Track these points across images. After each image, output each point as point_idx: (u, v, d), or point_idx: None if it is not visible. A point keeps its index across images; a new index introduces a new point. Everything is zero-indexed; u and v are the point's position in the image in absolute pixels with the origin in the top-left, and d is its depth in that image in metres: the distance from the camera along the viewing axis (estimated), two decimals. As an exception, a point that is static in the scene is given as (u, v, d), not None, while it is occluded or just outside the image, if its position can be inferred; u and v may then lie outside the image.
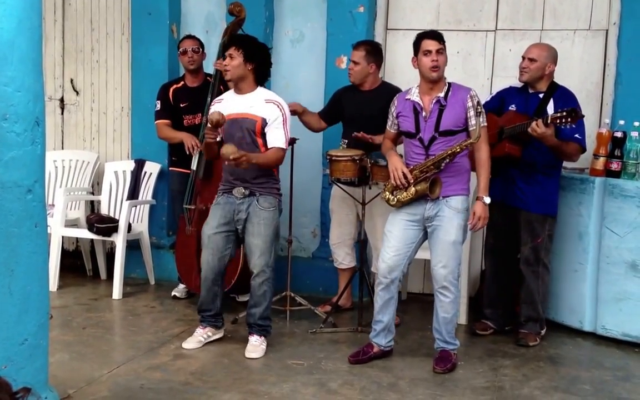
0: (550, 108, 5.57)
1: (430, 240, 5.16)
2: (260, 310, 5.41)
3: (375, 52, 6.11)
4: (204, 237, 5.43)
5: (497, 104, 5.89)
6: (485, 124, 5.09)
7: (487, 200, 5.06)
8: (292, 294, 6.33)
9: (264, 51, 5.47)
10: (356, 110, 6.06)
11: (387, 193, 5.19)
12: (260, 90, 5.42)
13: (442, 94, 5.08)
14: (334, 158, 5.72)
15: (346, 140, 6.04)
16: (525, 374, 5.18)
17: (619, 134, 5.81)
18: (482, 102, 5.89)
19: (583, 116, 5.27)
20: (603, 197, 5.80)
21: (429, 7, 7.00)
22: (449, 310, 5.13)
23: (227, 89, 5.91)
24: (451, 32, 6.92)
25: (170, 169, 6.92)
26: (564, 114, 5.23)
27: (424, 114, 5.09)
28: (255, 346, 5.40)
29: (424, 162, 5.05)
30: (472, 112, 5.02)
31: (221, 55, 6.17)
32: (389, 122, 5.33)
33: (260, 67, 5.42)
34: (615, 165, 5.80)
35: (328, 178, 6.03)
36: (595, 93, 6.58)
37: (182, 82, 6.69)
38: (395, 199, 5.13)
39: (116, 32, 7.70)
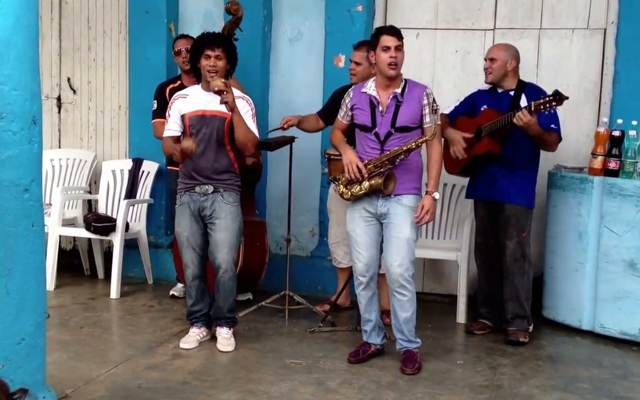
0: (523, 103, 5.61)
1: (383, 237, 5.16)
2: (228, 303, 5.46)
3: None
4: (182, 239, 5.45)
5: (468, 108, 5.96)
6: (440, 122, 5.09)
7: (437, 195, 5.06)
8: (291, 293, 6.32)
9: (236, 52, 5.51)
10: None
11: (341, 186, 5.19)
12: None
13: (399, 90, 5.06)
14: (332, 157, 5.70)
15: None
16: (524, 373, 5.18)
17: (617, 133, 5.81)
18: (451, 106, 5.99)
19: (567, 97, 5.28)
20: (602, 197, 5.80)
21: (428, 6, 6.99)
22: (407, 308, 5.10)
23: None
24: (450, 30, 6.94)
25: (168, 167, 6.89)
26: (550, 98, 5.28)
27: (380, 108, 5.08)
28: (227, 339, 5.47)
29: (379, 156, 5.04)
30: (427, 110, 5.01)
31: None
32: (342, 113, 5.31)
33: (233, 67, 5.50)
34: (613, 164, 5.80)
35: (327, 177, 6.01)
36: (594, 92, 6.58)
37: (178, 82, 6.67)
38: (349, 193, 5.14)
39: (113, 31, 7.68)
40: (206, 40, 5.40)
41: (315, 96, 7.01)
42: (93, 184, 7.70)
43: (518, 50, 5.85)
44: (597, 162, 5.88)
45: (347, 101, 5.26)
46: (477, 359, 5.44)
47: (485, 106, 5.82)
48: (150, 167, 7.34)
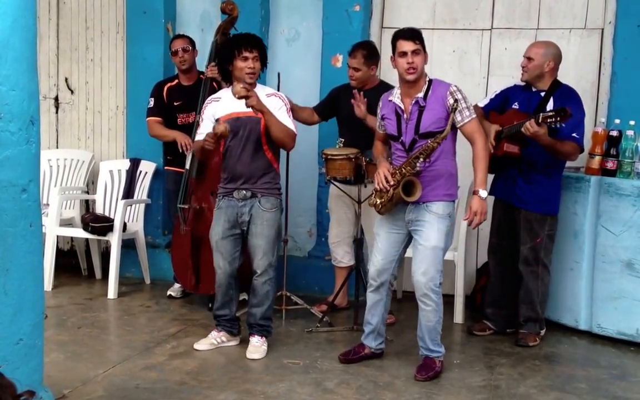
0: (550, 106, 5.54)
1: (412, 245, 5.10)
2: (262, 310, 5.38)
3: (372, 54, 6.05)
4: (212, 243, 5.39)
5: (500, 102, 5.85)
6: (474, 115, 4.92)
7: (484, 194, 4.83)
8: (288, 294, 6.33)
9: (266, 53, 5.47)
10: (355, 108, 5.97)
11: (376, 198, 5.04)
12: (258, 86, 5.36)
13: (421, 95, 4.91)
14: (329, 157, 5.71)
15: (343, 139, 6.00)
16: (522, 373, 5.18)
17: (614, 133, 5.81)
18: (486, 99, 5.90)
19: (571, 115, 5.20)
20: (599, 196, 5.80)
21: (425, 6, 6.99)
22: (431, 318, 4.99)
23: (220, 87, 5.89)
24: (447, 30, 6.94)
25: (166, 168, 6.90)
26: (553, 113, 5.22)
27: (405, 116, 4.96)
28: (257, 347, 5.38)
29: (402, 163, 4.92)
30: (458, 106, 4.81)
31: (214, 56, 6.16)
32: (378, 123, 5.24)
33: (263, 69, 5.43)
34: (611, 164, 5.80)
35: (324, 177, 6.01)
36: (591, 92, 6.58)
37: (176, 81, 6.68)
38: (379, 203, 5.02)
39: (111, 31, 7.68)
40: (244, 42, 5.28)
41: (312, 96, 7.01)
42: (90, 184, 7.70)
43: (559, 50, 5.74)
44: (595, 162, 5.89)
45: (378, 111, 5.18)
46: (475, 359, 5.44)
47: (516, 104, 5.72)
48: (147, 167, 7.34)
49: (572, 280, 6.00)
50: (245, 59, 5.21)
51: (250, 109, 5.13)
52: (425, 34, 6.78)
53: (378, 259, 5.12)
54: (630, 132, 5.72)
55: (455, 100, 4.81)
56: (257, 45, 5.30)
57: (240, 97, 5.02)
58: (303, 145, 6.67)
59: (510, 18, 6.81)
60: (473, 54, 6.90)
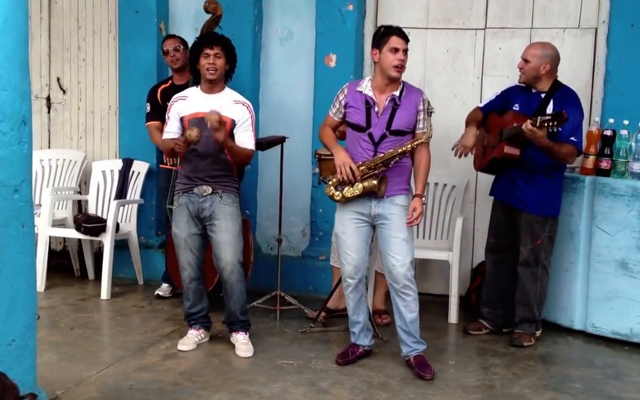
0: (550, 108, 5.54)
1: (380, 239, 5.13)
2: (240, 305, 5.41)
3: None
4: (178, 240, 5.39)
5: (501, 103, 5.83)
6: (429, 130, 5.06)
7: (424, 199, 5.10)
8: (282, 294, 6.30)
9: (235, 52, 5.47)
10: None
11: (332, 188, 5.13)
12: (227, 90, 5.40)
13: (397, 93, 5.02)
14: (323, 157, 5.68)
15: None
16: (516, 373, 5.18)
17: (608, 133, 5.81)
18: (486, 100, 5.93)
19: (567, 119, 5.20)
20: (593, 196, 5.80)
21: (418, 5, 6.98)
22: (413, 308, 5.07)
23: None
24: (440, 30, 6.93)
25: (161, 166, 6.88)
26: (550, 117, 5.22)
27: (376, 109, 5.03)
28: (245, 344, 5.40)
29: (373, 159, 5.00)
30: (422, 115, 5.02)
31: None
32: (334, 109, 5.24)
33: (232, 69, 5.46)
34: (605, 164, 5.80)
35: (317, 177, 5.98)
36: (585, 91, 6.55)
37: (170, 82, 6.66)
38: (340, 194, 5.09)
39: (103, 30, 7.65)
40: (204, 40, 5.39)
41: (306, 96, 7.01)
42: (83, 184, 7.67)
43: (557, 52, 5.73)
44: (589, 162, 5.88)
45: (340, 98, 5.20)
46: (469, 360, 5.44)
47: (516, 105, 5.71)
48: (140, 168, 7.31)
49: (567, 281, 5.99)
50: (207, 55, 5.28)
51: (214, 109, 5.11)
52: (418, 34, 6.87)
53: (352, 257, 5.13)
54: (624, 132, 5.72)
55: (429, 106, 5.05)
56: (220, 43, 5.34)
57: (211, 127, 5.01)
58: (297, 145, 6.68)
59: (504, 18, 6.80)
60: (467, 53, 6.89)
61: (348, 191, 5.06)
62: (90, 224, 6.82)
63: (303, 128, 6.85)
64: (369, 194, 5.03)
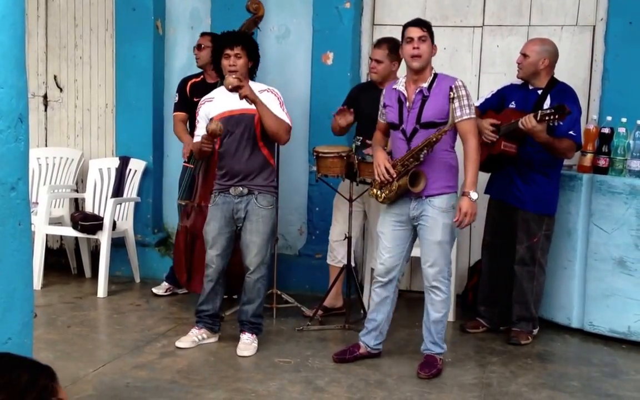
0: (547, 105, 5.53)
1: (419, 239, 5.10)
2: (253, 307, 5.38)
3: (396, 49, 5.97)
4: (208, 238, 5.38)
5: (497, 102, 5.83)
6: (474, 115, 4.95)
7: (474, 195, 4.85)
8: (279, 292, 6.30)
9: (257, 48, 5.48)
10: (374, 108, 5.61)
11: (375, 190, 5.08)
12: (251, 84, 5.34)
13: (425, 85, 4.94)
14: (320, 155, 5.68)
15: (361, 137, 5.78)
16: (513, 371, 5.17)
17: (606, 130, 5.81)
18: (482, 99, 5.90)
19: (569, 112, 5.22)
20: (591, 194, 5.80)
21: (416, 3, 6.97)
22: (440, 309, 5.02)
23: None
24: (438, 28, 6.87)
25: (184, 164, 6.75)
26: (552, 110, 5.21)
27: (407, 104, 4.97)
28: (247, 344, 5.37)
29: (404, 155, 4.93)
30: (456, 103, 4.85)
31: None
32: (379, 113, 5.22)
33: (256, 65, 5.46)
34: (602, 162, 5.80)
35: (315, 175, 5.96)
36: (583, 89, 6.55)
37: (201, 77, 6.64)
38: (382, 196, 5.05)
39: (100, 28, 7.63)
40: (224, 40, 5.37)
41: (303, 94, 7.00)
42: (80, 182, 7.66)
43: (555, 48, 5.73)
44: (587, 160, 5.88)
45: (381, 101, 5.17)
46: (466, 358, 5.43)
47: (513, 103, 5.71)
48: (137, 166, 7.30)
49: (564, 279, 5.99)
50: (227, 56, 5.28)
51: (243, 106, 5.13)
52: (416, 31, 6.80)
53: (386, 257, 5.09)
54: (622, 129, 5.72)
55: (467, 94, 4.89)
56: (240, 42, 5.32)
57: (232, 89, 5.01)
58: (294, 142, 6.63)
59: (502, 15, 6.80)
60: (464, 51, 6.88)
61: (386, 191, 4.99)
62: (87, 222, 6.81)
63: (300, 126, 6.84)
64: (409, 195, 4.94)
